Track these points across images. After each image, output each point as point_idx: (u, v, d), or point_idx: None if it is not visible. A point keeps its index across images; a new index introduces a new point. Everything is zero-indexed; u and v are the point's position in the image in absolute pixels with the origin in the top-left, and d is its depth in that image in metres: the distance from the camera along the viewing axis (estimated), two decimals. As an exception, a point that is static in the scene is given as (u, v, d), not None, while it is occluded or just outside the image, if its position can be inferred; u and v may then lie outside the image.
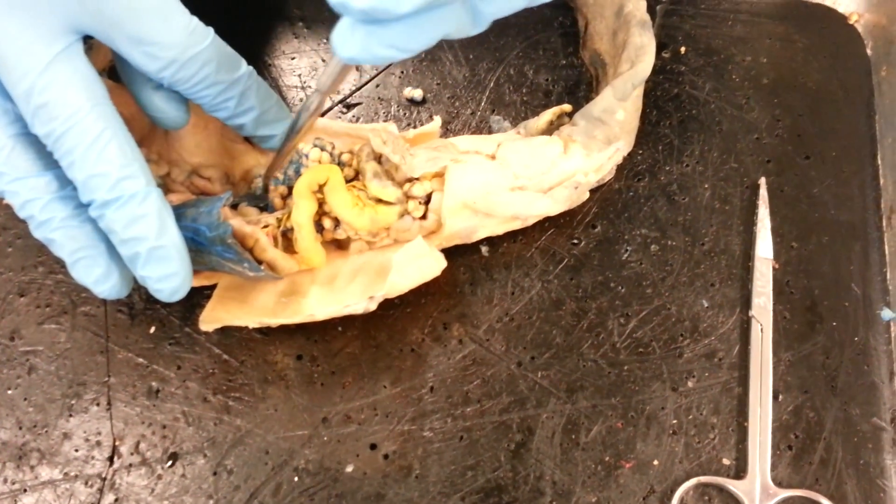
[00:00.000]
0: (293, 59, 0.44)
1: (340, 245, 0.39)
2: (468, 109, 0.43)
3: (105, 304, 0.39)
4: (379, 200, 0.37)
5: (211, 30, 0.33)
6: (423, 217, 0.38)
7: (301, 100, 0.44)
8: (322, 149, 0.38)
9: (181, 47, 0.32)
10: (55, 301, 0.39)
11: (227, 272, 0.36)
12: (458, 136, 0.40)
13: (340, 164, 0.38)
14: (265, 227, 0.36)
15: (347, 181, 0.37)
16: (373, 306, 0.36)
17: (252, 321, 0.37)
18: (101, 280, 0.33)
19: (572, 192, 0.39)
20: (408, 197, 0.37)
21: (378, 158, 0.37)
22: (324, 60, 0.44)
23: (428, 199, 0.38)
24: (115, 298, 0.33)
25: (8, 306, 0.39)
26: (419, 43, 0.26)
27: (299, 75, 0.44)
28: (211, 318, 0.37)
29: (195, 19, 0.32)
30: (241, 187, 0.40)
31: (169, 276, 0.32)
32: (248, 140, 0.39)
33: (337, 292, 0.38)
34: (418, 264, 0.36)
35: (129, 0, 0.30)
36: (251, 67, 0.35)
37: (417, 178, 0.37)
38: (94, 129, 0.30)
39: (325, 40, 0.45)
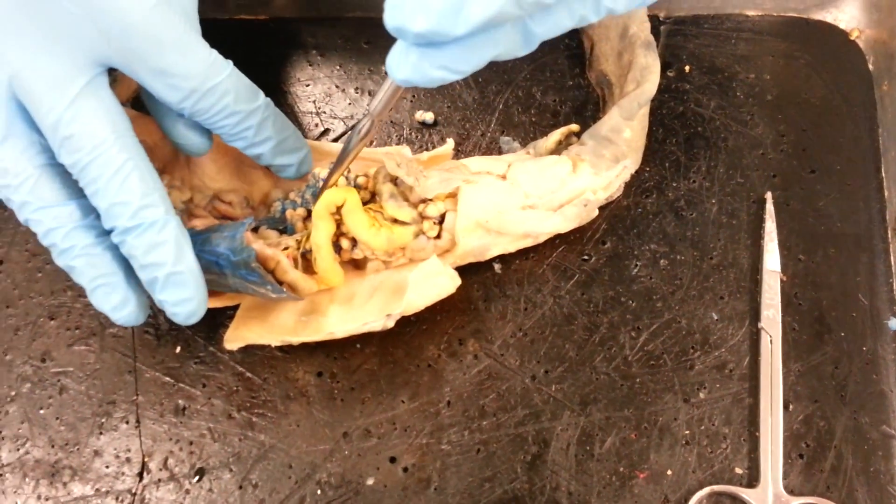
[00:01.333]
0: (308, 86, 0.46)
1: (357, 265, 0.40)
2: (478, 131, 0.44)
3: (132, 326, 0.40)
4: (395, 220, 0.38)
5: (230, 62, 0.34)
6: (438, 236, 0.39)
7: (317, 125, 0.45)
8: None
9: (201, 78, 0.33)
10: (84, 324, 0.41)
11: (249, 294, 0.37)
12: (469, 158, 0.41)
13: (356, 187, 0.39)
14: (285, 249, 0.37)
15: (364, 203, 0.38)
16: (391, 324, 0.37)
17: (274, 339, 0.38)
18: (118, 307, 0.34)
19: (582, 210, 0.40)
20: (422, 217, 0.38)
21: (394, 180, 0.39)
22: (337, 86, 0.46)
23: (442, 219, 0.39)
24: (132, 325, 0.35)
25: (39, 329, 0.41)
26: (471, 64, 0.27)
27: (314, 101, 0.46)
28: (234, 338, 0.38)
29: (214, 52, 0.34)
30: (261, 211, 0.41)
31: (185, 301, 0.33)
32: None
33: (355, 311, 0.39)
34: (434, 282, 0.38)
35: (152, 34, 0.32)
36: (268, 99, 0.36)
37: (431, 199, 0.38)
38: (117, 160, 0.32)
39: (338, 67, 0.46)
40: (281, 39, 0.47)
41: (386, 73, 0.29)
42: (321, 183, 0.39)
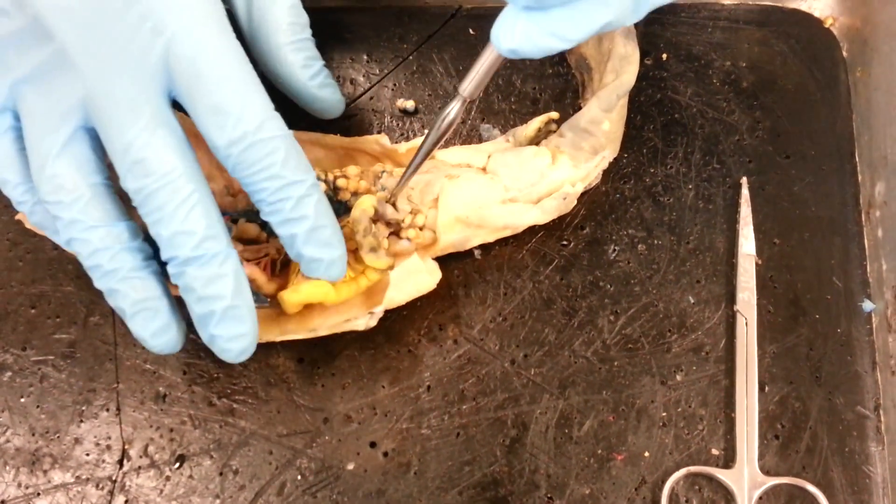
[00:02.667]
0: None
1: None
2: (425, 135, 0.44)
3: (113, 313, 0.40)
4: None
5: (290, 131, 0.33)
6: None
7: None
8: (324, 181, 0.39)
9: (255, 126, 0.31)
10: (65, 312, 0.41)
11: None
12: (448, 149, 0.42)
13: (336, 190, 0.38)
14: (265, 255, 0.37)
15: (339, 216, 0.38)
16: (373, 322, 0.37)
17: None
18: (158, 333, 0.33)
19: (561, 203, 0.40)
20: (409, 226, 0.39)
21: (375, 214, 0.37)
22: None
23: (425, 220, 0.39)
24: (168, 353, 0.34)
25: (19, 318, 0.41)
26: (582, 31, 0.26)
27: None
28: None
29: (275, 110, 0.32)
30: (241, 200, 0.41)
31: (240, 336, 0.32)
32: None
33: (338, 308, 0.39)
34: (414, 279, 0.38)
35: (220, 67, 0.31)
36: (318, 182, 0.34)
37: (420, 210, 0.38)
38: (185, 190, 0.31)
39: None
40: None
41: (484, 48, 0.28)
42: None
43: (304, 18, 0.39)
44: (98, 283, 0.33)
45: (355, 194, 0.38)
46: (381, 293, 0.38)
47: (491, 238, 0.41)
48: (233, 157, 0.32)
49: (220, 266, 0.32)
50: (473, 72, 0.31)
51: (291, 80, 0.39)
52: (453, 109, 0.34)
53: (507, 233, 0.41)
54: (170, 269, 0.32)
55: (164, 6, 0.31)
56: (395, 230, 0.39)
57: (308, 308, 0.39)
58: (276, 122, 0.32)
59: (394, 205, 0.38)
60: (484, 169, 0.40)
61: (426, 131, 0.34)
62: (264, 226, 0.39)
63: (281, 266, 0.38)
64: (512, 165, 0.40)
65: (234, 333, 0.32)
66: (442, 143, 0.35)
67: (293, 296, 0.36)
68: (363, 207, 0.37)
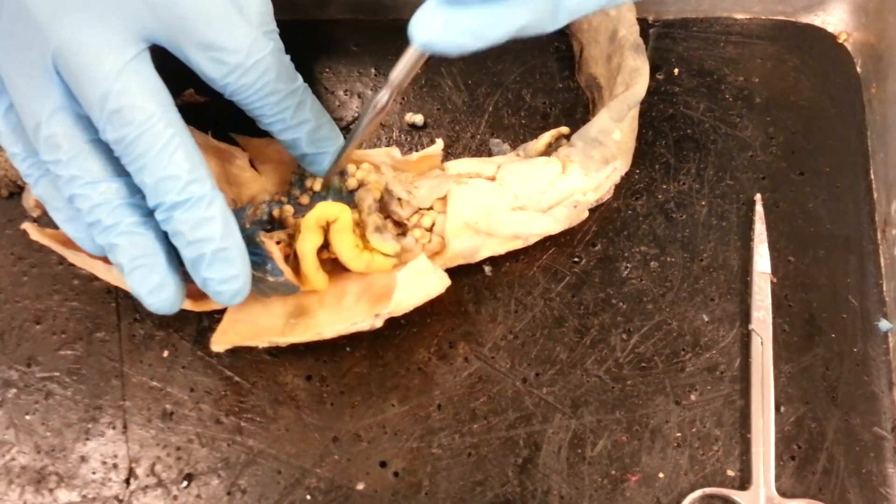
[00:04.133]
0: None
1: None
2: (468, 133, 0.44)
3: (119, 329, 0.40)
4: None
5: (271, 39, 0.34)
6: (428, 241, 0.39)
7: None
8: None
9: (245, 53, 0.33)
10: (70, 328, 0.40)
11: None
12: (458, 160, 0.41)
13: (343, 175, 0.39)
14: (278, 242, 0.37)
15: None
16: (379, 323, 0.37)
17: (262, 341, 0.38)
18: (156, 290, 0.33)
19: (571, 211, 0.40)
20: (415, 226, 0.38)
21: (381, 207, 0.38)
22: (326, 89, 0.46)
23: (432, 223, 0.39)
24: (165, 312, 0.34)
25: (25, 333, 0.40)
26: (497, 32, 0.27)
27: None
28: (222, 340, 0.38)
29: (256, 30, 0.33)
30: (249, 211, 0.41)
31: (232, 278, 0.33)
32: (253, 167, 0.40)
33: (344, 312, 0.39)
34: (423, 282, 0.37)
35: (199, 6, 0.32)
36: (305, 83, 0.36)
37: (427, 209, 0.38)
38: (164, 135, 0.31)
39: (327, 69, 0.46)
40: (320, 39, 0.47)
41: (408, 40, 0.29)
42: (305, 179, 0.39)
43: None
44: (97, 238, 0.33)
45: (362, 184, 0.39)
46: (388, 296, 0.37)
47: (501, 249, 0.40)
48: (230, 86, 0.33)
49: (207, 209, 0.32)
50: (400, 63, 0.32)
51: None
52: (382, 98, 0.34)
53: (518, 244, 0.40)
54: (157, 216, 0.32)
55: None
56: (402, 231, 0.38)
57: (314, 310, 0.39)
58: (262, 42, 0.33)
59: (399, 201, 0.39)
60: (493, 178, 0.40)
61: (358, 117, 0.36)
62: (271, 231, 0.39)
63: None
64: (521, 174, 0.39)
65: (225, 275, 0.32)
66: (370, 133, 0.36)
67: (356, 261, 0.37)
68: (369, 187, 0.38)
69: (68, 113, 0.32)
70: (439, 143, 0.41)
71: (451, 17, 0.26)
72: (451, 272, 0.40)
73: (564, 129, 0.42)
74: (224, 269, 0.32)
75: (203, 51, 0.32)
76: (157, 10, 0.32)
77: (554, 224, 0.40)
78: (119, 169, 0.33)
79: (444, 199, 0.39)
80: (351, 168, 0.39)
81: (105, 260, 0.37)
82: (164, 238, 0.33)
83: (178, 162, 0.31)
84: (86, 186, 0.32)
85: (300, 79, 0.36)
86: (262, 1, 0.34)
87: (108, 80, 0.31)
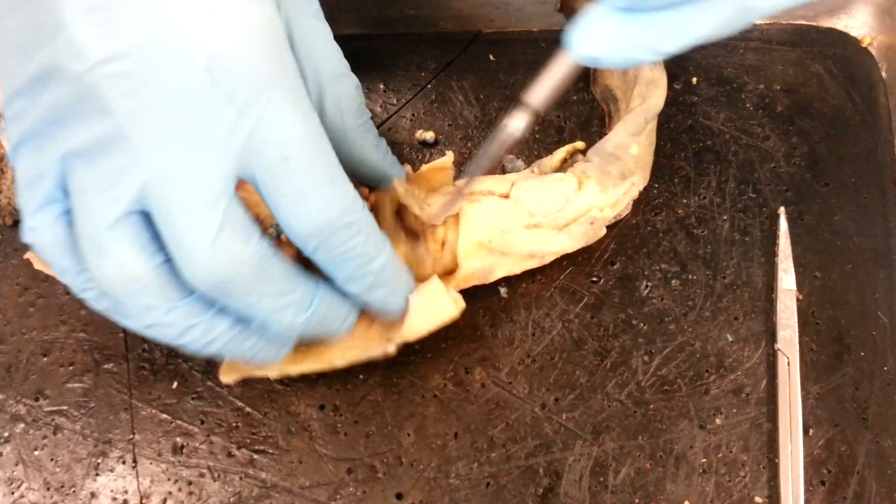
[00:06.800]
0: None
1: None
2: (480, 150, 0.43)
3: (128, 360, 0.39)
4: None
5: (363, 200, 0.31)
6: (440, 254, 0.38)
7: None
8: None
9: (341, 211, 0.29)
10: (78, 359, 0.39)
11: None
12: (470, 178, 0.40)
13: None
14: None
15: None
16: (392, 349, 0.36)
17: (272, 371, 0.37)
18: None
19: (588, 228, 0.38)
20: (428, 236, 0.37)
21: (396, 213, 0.37)
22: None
23: (444, 239, 0.38)
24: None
25: (32, 366, 0.39)
26: (676, 42, 0.24)
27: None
28: (231, 370, 0.37)
29: (354, 188, 0.30)
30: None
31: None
32: None
33: (356, 339, 0.38)
34: (436, 306, 0.36)
35: (307, 148, 0.29)
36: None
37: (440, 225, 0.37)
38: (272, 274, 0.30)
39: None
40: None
41: (558, 53, 0.26)
42: None
43: (363, 97, 0.37)
44: (210, 353, 0.31)
45: (375, 205, 0.38)
46: (401, 322, 0.36)
47: (517, 269, 0.39)
48: (314, 243, 0.30)
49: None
50: (542, 81, 0.28)
51: (365, 161, 0.36)
52: (519, 120, 0.30)
53: (534, 263, 0.39)
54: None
55: (252, 84, 0.27)
56: (416, 229, 0.37)
57: (325, 338, 0.38)
58: (359, 202, 0.30)
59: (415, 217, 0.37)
60: (507, 195, 0.39)
61: (483, 146, 0.31)
62: None
63: None
64: (536, 191, 0.38)
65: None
66: (500, 159, 0.32)
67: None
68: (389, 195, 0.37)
69: (139, 236, 0.29)
70: (450, 156, 0.39)
71: (626, 28, 0.23)
72: (466, 294, 0.38)
73: (580, 144, 0.40)
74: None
75: (295, 202, 0.29)
76: (261, 143, 0.28)
77: (570, 242, 0.39)
78: (185, 286, 0.30)
79: (456, 217, 0.38)
80: (364, 191, 0.38)
81: None
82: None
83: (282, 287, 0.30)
84: (168, 314, 0.29)
85: (388, 244, 0.33)
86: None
87: (207, 223, 0.28)
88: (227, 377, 0.37)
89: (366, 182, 0.37)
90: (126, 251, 0.28)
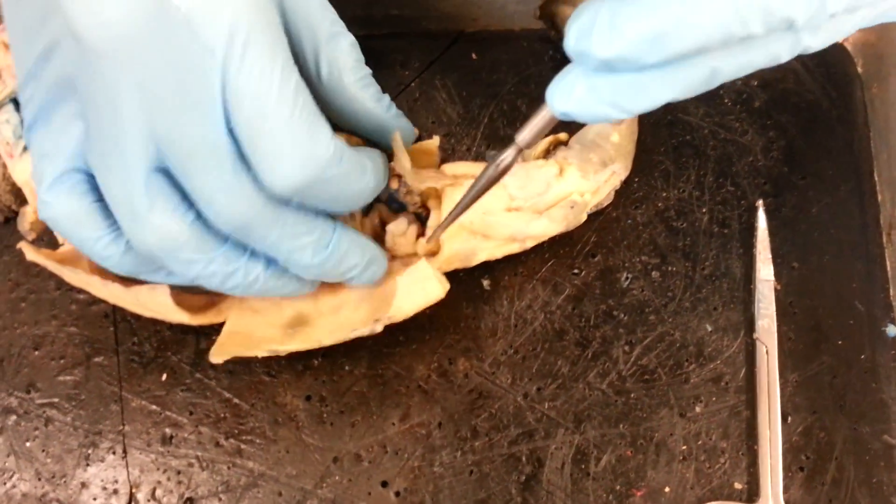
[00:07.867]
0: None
1: None
2: (463, 146, 0.44)
3: (118, 354, 0.40)
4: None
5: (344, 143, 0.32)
6: (420, 224, 0.38)
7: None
8: None
9: (325, 164, 0.30)
10: (69, 353, 0.40)
11: None
12: (454, 163, 0.41)
13: None
14: None
15: None
16: (379, 328, 0.36)
17: (261, 350, 0.37)
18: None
19: (569, 213, 0.39)
20: (406, 192, 0.38)
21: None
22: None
23: (427, 216, 0.38)
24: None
25: (23, 360, 0.40)
26: (643, 103, 0.25)
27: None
28: (220, 351, 0.37)
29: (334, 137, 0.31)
30: None
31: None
32: None
33: (343, 321, 0.38)
34: (422, 286, 0.37)
35: (284, 110, 0.29)
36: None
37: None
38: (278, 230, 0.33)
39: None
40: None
41: (544, 102, 0.27)
42: None
43: (361, 54, 0.38)
44: (249, 293, 0.34)
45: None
46: (388, 303, 0.37)
47: (498, 253, 0.40)
48: (298, 197, 0.31)
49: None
50: (530, 125, 0.30)
51: (369, 116, 0.37)
52: (508, 158, 0.32)
53: (515, 248, 0.40)
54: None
55: (229, 36, 0.28)
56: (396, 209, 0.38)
57: (313, 320, 0.38)
58: (341, 147, 0.31)
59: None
60: None
61: (476, 178, 0.33)
62: None
63: None
64: (518, 176, 0.39)
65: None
66: (487, 191, 0.34)
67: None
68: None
69: (167, 199, 0.30)
70: (436, 139, 0.40)
71: (597, 87, 0.25)
72: (450, 287, 0.39)
73: (562, 136, 0.41)
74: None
75: (273, 157, 0.30)
76: (240, 99, 0.29)
77: (551, 225, 0.39)
78: (221, 236, 0.32)
79: (439, 200, 0.38)
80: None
81: (102, 275, 0.36)
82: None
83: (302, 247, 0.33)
84: (209, 265, 0.32)
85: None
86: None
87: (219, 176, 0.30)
88: (216, 357, 0.37)
89: (373, 138, 0.38)
90: (161, 213, 0.30)
